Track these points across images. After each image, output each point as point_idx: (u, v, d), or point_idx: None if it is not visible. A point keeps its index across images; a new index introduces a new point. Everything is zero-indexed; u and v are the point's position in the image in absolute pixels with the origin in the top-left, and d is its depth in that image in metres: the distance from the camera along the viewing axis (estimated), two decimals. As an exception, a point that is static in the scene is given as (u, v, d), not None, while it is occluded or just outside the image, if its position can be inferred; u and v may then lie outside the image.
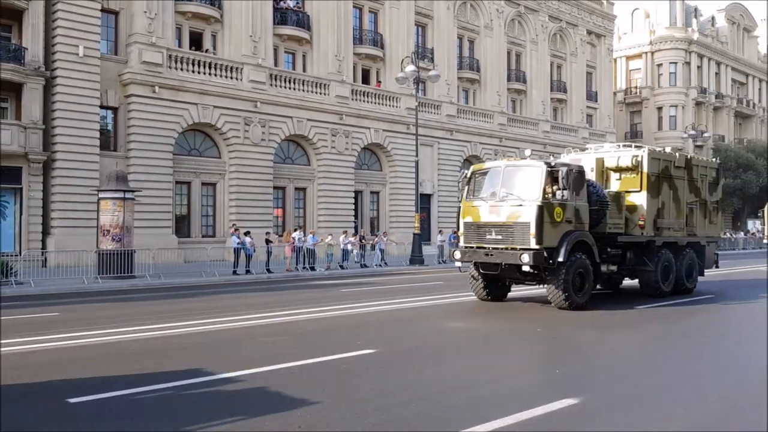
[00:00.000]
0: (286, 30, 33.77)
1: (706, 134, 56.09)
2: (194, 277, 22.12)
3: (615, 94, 59.64)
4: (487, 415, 6.29)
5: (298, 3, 34.85)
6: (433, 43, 40.89)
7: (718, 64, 66.39)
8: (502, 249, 13.79)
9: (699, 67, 63.62)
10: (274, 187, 32.25)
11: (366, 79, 38.26)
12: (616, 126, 56.97)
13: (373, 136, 36.24)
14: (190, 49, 30.37)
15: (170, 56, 28.66)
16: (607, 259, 15.20)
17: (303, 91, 33.33)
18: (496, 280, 15.14)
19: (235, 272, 23.41)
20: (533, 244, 13.29)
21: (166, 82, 28.34)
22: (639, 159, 15.89)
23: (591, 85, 53.50)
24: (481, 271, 14.82)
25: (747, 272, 26.22)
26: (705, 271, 18.79)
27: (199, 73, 29.51)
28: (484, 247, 14.12)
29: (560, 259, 13.44)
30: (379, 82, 38.56)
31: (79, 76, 26.04)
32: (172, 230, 28.56)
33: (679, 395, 7.31)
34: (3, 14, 25.19)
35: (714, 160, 20.59)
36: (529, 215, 13.40)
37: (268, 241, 25.03)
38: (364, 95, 36.31)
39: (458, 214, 15.37)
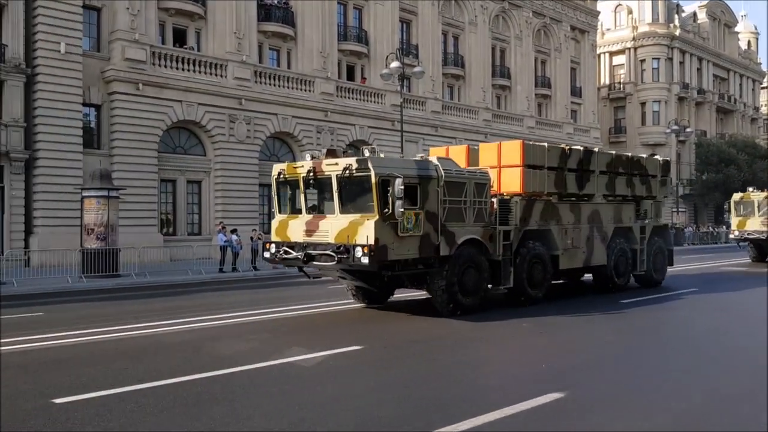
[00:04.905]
0: (271, 26, 33.61)
1: (688, 129, 56.37)
2: (180, 275, 21.97)
3: (599, 89, 59.90)
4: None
5: (282, -1, 34.72)
6: (417, 40, 40.87)
7: (700, 59, 66.90)
8: None
9: (681, 63, 64.06)
10: (260, 185, 32.13)
11: (351, 76, 38.14)
12: (600, 121, 57.29)
13: (358, 132, 36.15)
14: (174, 46, 30.13)
15: (153, 53, 28.43)
16: None
17: (288, 87, 33.19)
18: None
19: (221, 270, 23.30)
20: None
21: (150, 80, 28.11)
22: None
23: (575, 81, 53.72)
24: None
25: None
26: None
27: (183, 70, 29.29)
28: None
29: None
30: (364, 78, 38.46)
31: (60, 73, 25.75)
32: (157, 228, 28.36)
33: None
34: (-17, 11, 24.88)
35: None
36: None
37: (252, 239, 24.91)
38: (349, 92, 36.21)
39: None
